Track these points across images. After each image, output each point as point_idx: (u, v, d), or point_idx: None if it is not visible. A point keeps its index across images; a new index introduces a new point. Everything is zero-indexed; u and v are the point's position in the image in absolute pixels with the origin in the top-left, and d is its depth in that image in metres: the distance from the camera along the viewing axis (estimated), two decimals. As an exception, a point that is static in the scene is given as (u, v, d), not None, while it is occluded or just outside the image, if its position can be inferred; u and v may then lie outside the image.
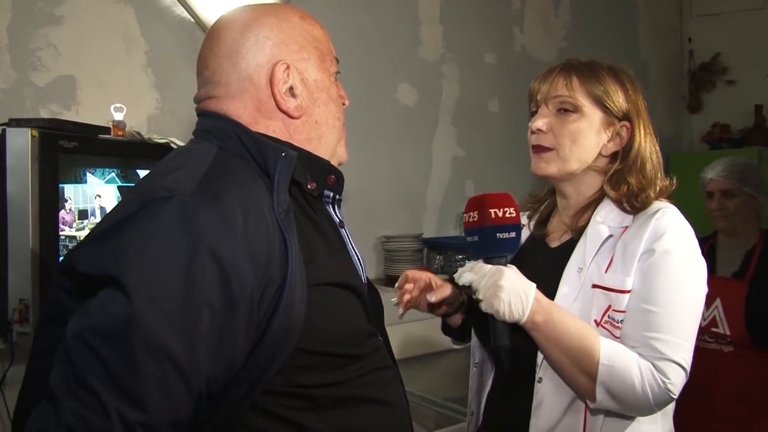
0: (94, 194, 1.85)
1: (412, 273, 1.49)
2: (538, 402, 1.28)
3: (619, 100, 1.34)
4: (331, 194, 1.10)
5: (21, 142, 1.60)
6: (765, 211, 2.55)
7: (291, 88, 1.05)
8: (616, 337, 1.25)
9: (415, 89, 3.08)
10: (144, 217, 0.87)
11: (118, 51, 2.26)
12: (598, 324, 1.27)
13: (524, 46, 3.52)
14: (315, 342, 0.96)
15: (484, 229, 1.27)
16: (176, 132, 2.15)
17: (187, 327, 0.83)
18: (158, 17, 2.35)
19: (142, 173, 2.02)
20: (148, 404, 0.80)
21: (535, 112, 1.39)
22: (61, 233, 1.72)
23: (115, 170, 1.92)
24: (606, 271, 1.28)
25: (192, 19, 2.42)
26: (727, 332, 2.39)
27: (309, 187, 1.05)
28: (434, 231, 3.13)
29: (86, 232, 1.81)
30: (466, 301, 1.53)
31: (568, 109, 1.33)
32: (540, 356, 1.28)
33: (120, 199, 1.92)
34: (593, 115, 1.34)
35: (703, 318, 2.40)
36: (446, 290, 1.47)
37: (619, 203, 1.33)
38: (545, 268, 1.34)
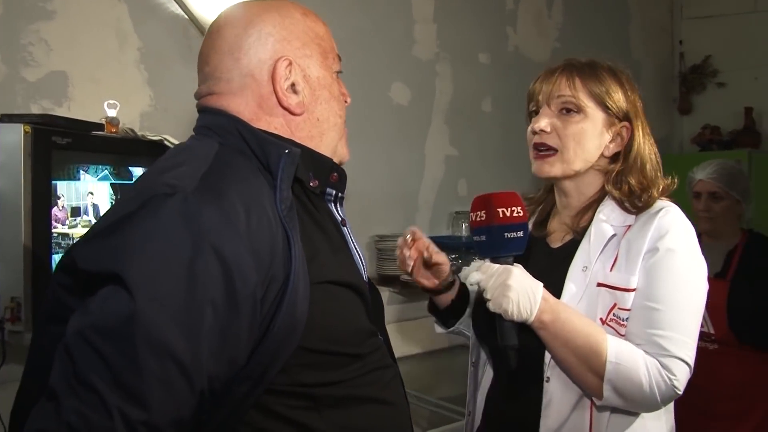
0: (87, 191, 1.83)
1: (418, 231, 1.48)
2: (547, 401, 1.28)
3: (619, 100, 1.35)
4: (334, 192, 1.10)
5: (14, 138, 1.58)
6: (746, 213, 2.59)
7: (293, 85, 1.05)
8: (621, 335, 1.26)
9: (408, 88, 3.07)
10: (146, 214, 0.86)
11: (111, 47, 2.24)
12: (603, 322, 1.28)
13: (517, 46, 3.53)
14: (317, 340, 0.95)
15: (492, 228, 1.27)
16: (169, 129, 2.13)
17: (189, 325, 0.82)
18: (152, 13, 2.33)
19: (135, 170, 2.00)
20: (150, 403, 0.79)
21: (534, 112, 1.39)
22: (53, 230, 1.70)
23: (108, 167, 1.91)
24: (611, 270, 1.29)
25: (186, 16, 2.40)
26: (712, 331, 2.42)
27: (311, 184, 1.05)
28: (427, 230, 3.12)
29: (78, 229, 1.80)
30: (457, 283, 1.52)
31: (570, 110, 1.34)
32: (547, 355, 1.28)
33: (114, 196, 1.91)
34: (596, 115, 1.34)
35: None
36: (442, 257, 1.47)
37: (620, 203, 1.34)
38: (548, 268, 1.34)
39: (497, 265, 1.26)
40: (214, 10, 2.37)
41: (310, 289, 0.93)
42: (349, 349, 1.00)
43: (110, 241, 0.86)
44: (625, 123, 1.36)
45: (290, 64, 1.04)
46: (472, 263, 1.31)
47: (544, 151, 1.35)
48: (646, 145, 1.37)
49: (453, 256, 2.95)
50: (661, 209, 1.30)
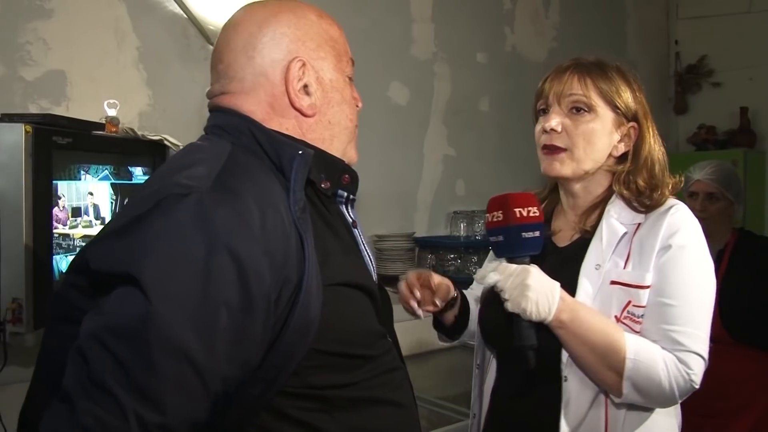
0: (87, 191, 1.82)
1: (412, 276, 1.45)
2: (566, 400, 1.29)
3: (628, 100, 1.36)
4: (345, 194, 1.09)
5: (15, 138, 1.56)
6: (737, 214, 2.60)
7: (306, 86, 1.04)
8: (635, 332, 1.27)
9: (406, 88, 3.07)
10: (160, 215, 0.85)
11: (110, 46, 2.22)
12: (618, 320, 1.28)
13: (514, 45, 3.53)
14: (330, 342, 0.95)
15: (509, 228, 1.27)
16: (168, 129, 2.12)
17: (204, 326, 0.81)
18: (150, 13, 2.32)
19: (135, 170, 1.99)
20: (165, 405, 0.78)
21: (543, 110, 1.39)
22: (54, 231, 1.69)
23: (109, 167, 1.89)
24: (624, 268, 1.30)
25: (184, 15, 2.39)
26: None
27: (323, 186, 1.04)
28: (425, 230, 3.13)
29: (79, 230, 1.78)
30: (458, 297, 1.51)
31: (581, 109, 1.34)
32: (565, 354, 1.28)
33: (114, 196, 1.90)
34: (606, 115, 1.35)
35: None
36: (439, 277, 1.45)
37: (629, 202, 1.35)
38: (557, 267, 1.34)
39: (515, 266, 1.26)
40: (213, 10, 2.37)
41: (322, 290, 0.93)
42: (361, 350, 1.00)
43: (124, 241, 0.85)
44: (633, 123, 1.37)
45: (304, 65, 1.03)
46: (486, 264, 1.30)
47: (554, 150, 1.35)
48: (655, 146, 1.38)
49: (452, 256, 2.96)
50: (671, 207, 1.32)
